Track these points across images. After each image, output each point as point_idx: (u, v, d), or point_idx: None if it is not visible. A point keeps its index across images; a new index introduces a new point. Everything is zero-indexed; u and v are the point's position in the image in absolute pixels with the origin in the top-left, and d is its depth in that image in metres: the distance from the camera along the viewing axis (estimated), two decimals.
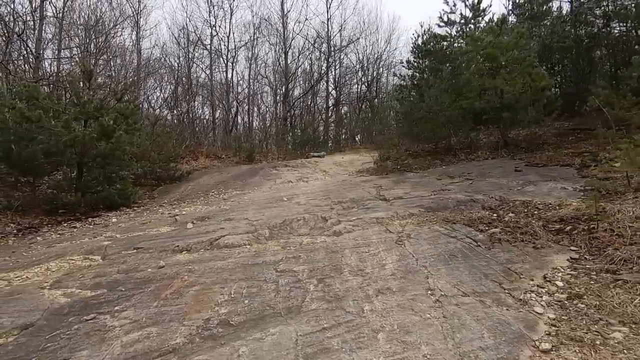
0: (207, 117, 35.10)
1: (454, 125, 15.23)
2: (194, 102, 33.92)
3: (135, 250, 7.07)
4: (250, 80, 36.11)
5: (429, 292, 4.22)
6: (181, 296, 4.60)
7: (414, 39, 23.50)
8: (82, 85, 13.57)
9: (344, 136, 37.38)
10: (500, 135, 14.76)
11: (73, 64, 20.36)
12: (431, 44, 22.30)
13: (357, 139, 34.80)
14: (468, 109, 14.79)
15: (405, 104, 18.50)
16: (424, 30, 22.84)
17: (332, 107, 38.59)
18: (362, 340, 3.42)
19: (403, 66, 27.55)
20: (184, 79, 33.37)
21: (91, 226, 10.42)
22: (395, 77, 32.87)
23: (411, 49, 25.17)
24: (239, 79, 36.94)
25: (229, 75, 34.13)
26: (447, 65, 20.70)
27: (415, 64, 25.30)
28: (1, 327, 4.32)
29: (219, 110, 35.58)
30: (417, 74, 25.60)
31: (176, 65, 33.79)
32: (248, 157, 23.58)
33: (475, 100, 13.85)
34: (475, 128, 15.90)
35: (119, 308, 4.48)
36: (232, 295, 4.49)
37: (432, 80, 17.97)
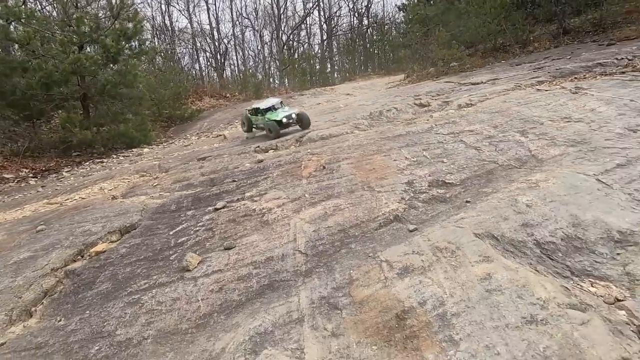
0: (187, 62, 31.81)
1: (504, 18, 13.30)
2: (176, 46, 30.58)
3: (202, 161, 5.63)
4: (233, 21, 32.39)
5: None
6: (334, 171, 3.24)
7: None
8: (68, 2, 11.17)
9: (347, 66, 34.84)
10: (559, 23, 12.94)
11: None
12: None
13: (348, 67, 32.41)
14: None
15: (437, 4, 16.25)
16: None
17: (325, 41, 35.57)
18: None
19: None
20: (161, 22, 29.69)
21: (121, 158, 8.86)
22: None
23: None
24: (221, 20, 33.13)
25: (211, 16, 30.46)
26: None
27: None
28: (91, 233, 2.99)
29: (202, 54, 32.22)
30: None
31: (150, 9, 29.74)
32: (255, 93, 21.58)
33: None
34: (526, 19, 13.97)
35: (252, 194, 3.13)
36: (413, 159, 3.14)
37: None
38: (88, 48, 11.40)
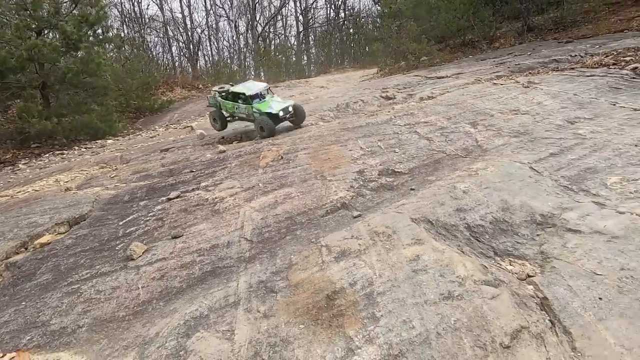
0: (160, 52, 30.65)
1: (473, 14, 13.63)
2: (146, 35, 29.45)
3: (165, 152, 5.51)
4: (207, 10, 31.43)
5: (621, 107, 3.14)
6: (291, 161, 3.27)
7: None
8: None
9: (322, 59, 34.78)
10: (524, 20, 13.41)
11: None
12: None
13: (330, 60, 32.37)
14: None
15: None
16: None
17: (301, 32, 35.34)
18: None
19: None
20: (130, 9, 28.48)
21: (84, 150, 8.53)
22: None
23: None
24: (194, 9, 31.94)
25: (183, 4, 29.47)
26: None
27: None
28: (37, 225, 2.89)
29: (175, 44, 31.13)
30: None
31: None
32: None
33: None
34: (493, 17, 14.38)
35: (207, 184, 3.11)
36: (368, 149, 3.21)
37: None
38: (50, 34, 10.83)
